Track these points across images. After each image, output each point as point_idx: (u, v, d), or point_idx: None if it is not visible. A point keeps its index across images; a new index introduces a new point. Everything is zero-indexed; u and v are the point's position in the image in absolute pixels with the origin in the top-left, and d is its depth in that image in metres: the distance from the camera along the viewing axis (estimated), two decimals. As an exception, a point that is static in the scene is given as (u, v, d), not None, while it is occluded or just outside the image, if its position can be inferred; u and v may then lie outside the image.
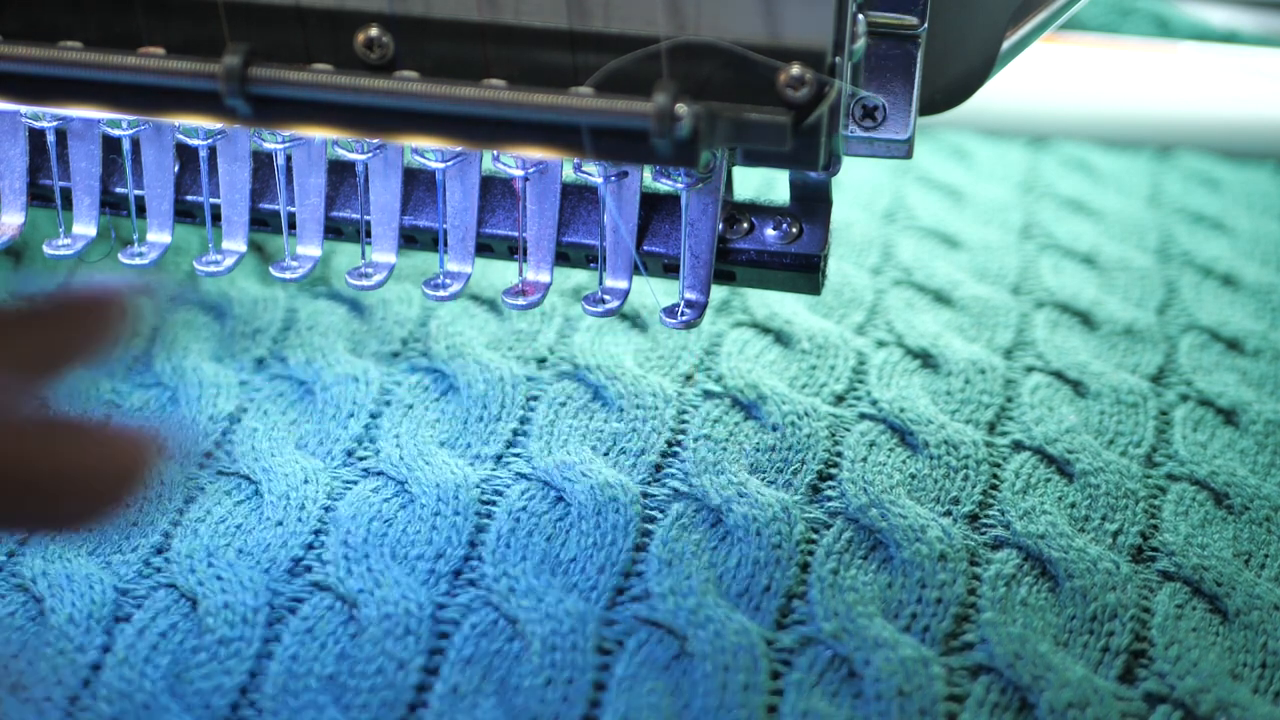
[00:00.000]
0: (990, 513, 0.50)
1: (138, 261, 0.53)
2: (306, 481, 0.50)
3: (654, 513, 0.49)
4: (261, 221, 0.53)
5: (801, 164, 0.45)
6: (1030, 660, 0.45)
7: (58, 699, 0.43)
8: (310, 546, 0.48)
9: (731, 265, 0.51)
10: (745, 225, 0.51)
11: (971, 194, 0.70)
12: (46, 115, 0.51)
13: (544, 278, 0.51)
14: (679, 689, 0.44)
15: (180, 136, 0.51)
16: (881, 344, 0.58)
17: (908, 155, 0.49)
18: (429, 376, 0.55)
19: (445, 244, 0.52)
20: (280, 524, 0.48)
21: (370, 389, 0.54)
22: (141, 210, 0.53)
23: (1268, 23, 0.82)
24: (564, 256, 0.52)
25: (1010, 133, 0.75)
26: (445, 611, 0.45)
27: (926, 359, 0.58)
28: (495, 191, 0.52)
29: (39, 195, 0.54)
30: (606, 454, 0.52)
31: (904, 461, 0.52)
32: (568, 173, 0.51)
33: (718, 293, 0.59)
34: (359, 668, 0.44)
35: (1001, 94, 0.71)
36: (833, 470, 0.51)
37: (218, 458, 0.52)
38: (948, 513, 0.50)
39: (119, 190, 0.53)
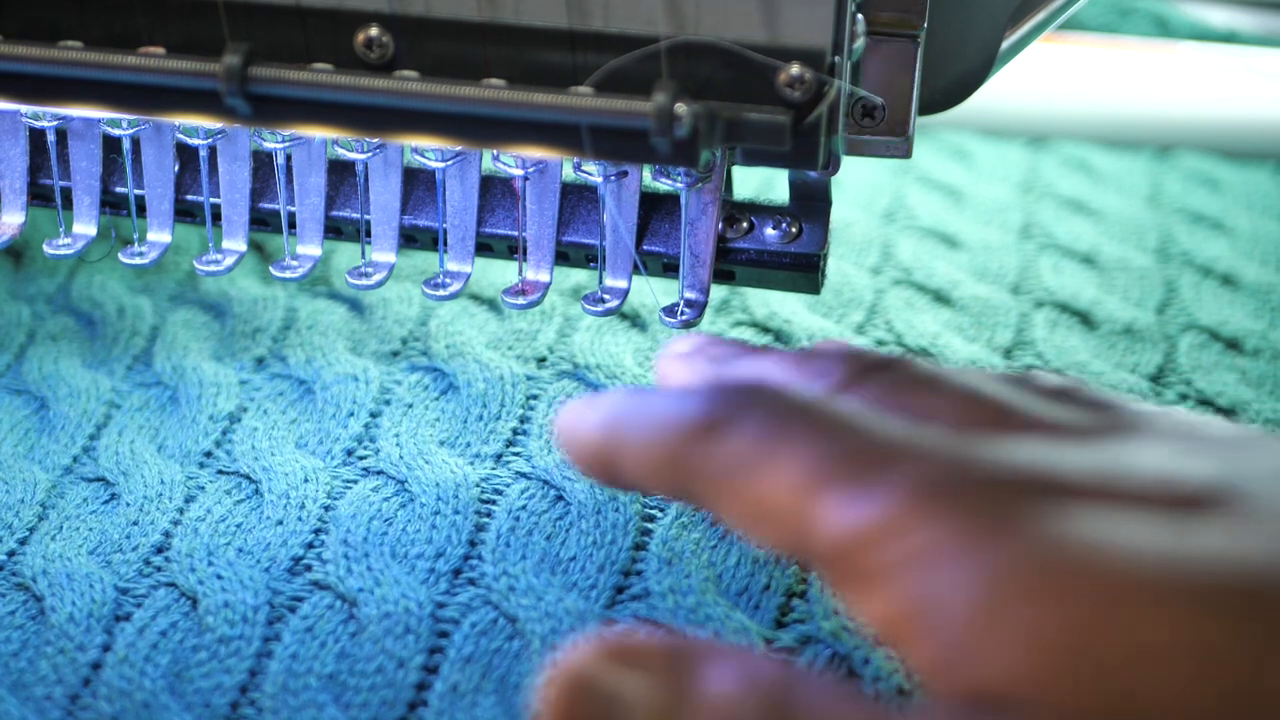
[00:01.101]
0: (990, 512, 0.50)
1: (138, 261, 0.53)
2: (306, 480, 0.50)
3: (654, 511, 0.49)
4: (261, 221, 0.53)
5: (801, 164, 0.45)
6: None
7: (58, 698, 0.43)
8: (310, 545, 0.48)
9: (731, 265, 0.51)
10: (745, 225, 0.51)
11: (971, 194, 0.70)
12: (46, 115, 0.51)
13: (544, 277, 0.51)
14: (679, 688, 0.44)
15: (180, 136, 0.51)
16: (881, 343, 0.58)
17: (907, 155, 0.49)
18: (429, 375, 0.55)
19: (445, 243, 0.52)
20: (280, 523, 0.48)
21: (370, 388, 0.54)
22: (141, 210, 0.53)
23: (1268, 23, 0.82)
24: (564, 256, 0.52)
25: (1010, 133, 0.75)
26: (445, 610, 0.45)
27: (926, 358, 0.58)
28: (495, 191, 0.52)
29: (39, 195, 0.54)
30: (606, 453, 0.52)
31: (903, 461, 0.52)
32: (567, 172, 0.51)
33: (717, 292, 0.59)
34: (359, 666, 0.44)
35: (1001, 94, 0.71)
36: (832, 469, 0.51)
37: (218, 457, 0.52)
38: (947, 512, 0.50)
39: (119, 190, 0.53)
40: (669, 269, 0.51)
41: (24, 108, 0.51)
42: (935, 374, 0.39)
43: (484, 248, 0.52)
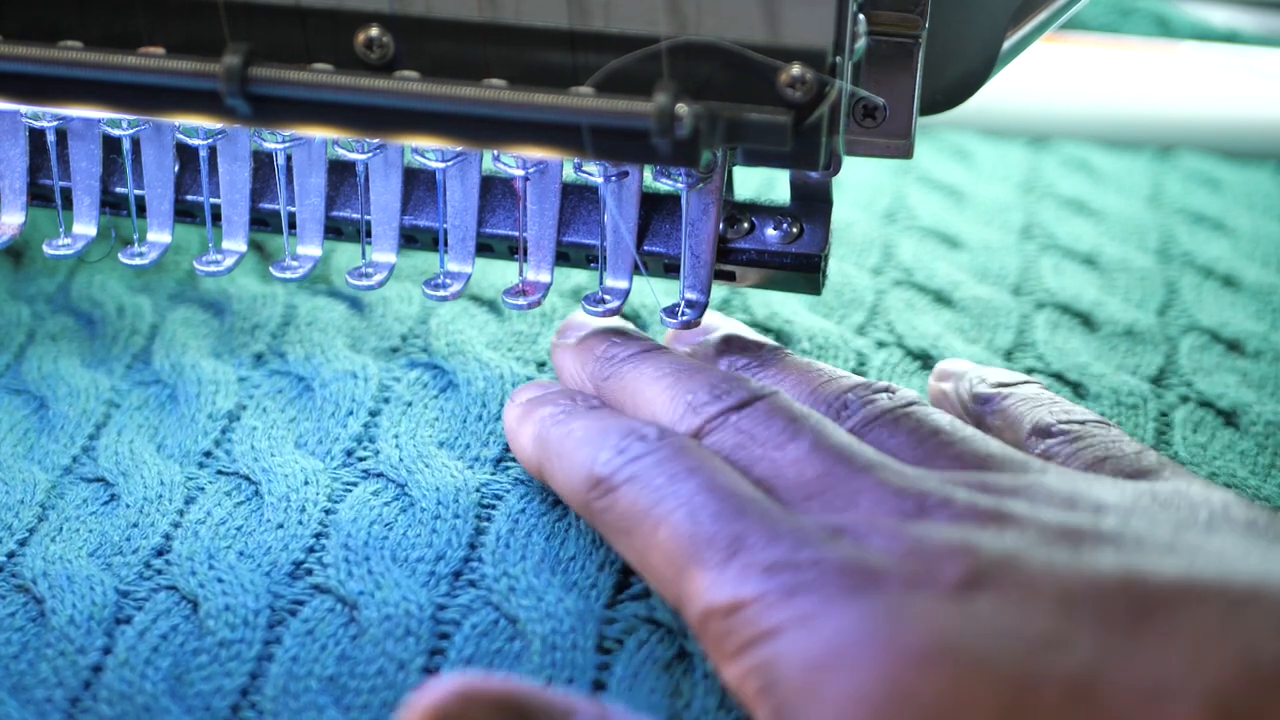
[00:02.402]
0: (991, 513, 0.50)
1: (138, 261, 0.53)
2: (306, 483, 0.50)
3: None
4: (262, 221, 0.53)
5: (802, 164, 0.45)
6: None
7: (58, 700, 0.43)
8: (311, 549, 0.47)
9: (732, 265, 0.51)
10: (745, 225, 0.51)
11: (972, 194, 0.70)
12: (46, 115, 0.51)
13: (544, 278, 0.51)
14: (679, 688, 0.44)
15: (180, 136, 0.51)
16: (882, 345, 0.58)
17: (908, 155, 0.49)
18: (428, 373, 0.55)
19: (445, 244, 0.52)
20: (281, 526, 0.48)
21: (369, 385, 0.53)
22: (141, 210, 0.53)
23: (1268, 23, 0.82)
24: (564, 256, 0.52)
25: (1010, 133, 0.75)
26: (445, 612, 0.45)
27: (927, 360, 0.57)
28: (495, 191, 0.52)
29: (39, 195, 0.54)
30: (607, 454, 0.52)
31: (904, 462, 0.52)
32: (568, 172, 0.51)
33: (718, 292, 0.59)
34: (359, 669, 0.44)
35: (1002, 94, 0.71)
36: (833, 470, 0.51)
37: (217, 457, 0.51)
38: (948, 513, 0.50)
39: (119, 190, 0.53)
40: (670, 269, 0.51)
41: (24, 108, 0.51)
42: (786, 416, 0.45)
43: (484, 248, 0.52)
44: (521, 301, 0.51)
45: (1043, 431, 0.48)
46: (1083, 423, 0.48)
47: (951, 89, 0.50)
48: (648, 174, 0.50)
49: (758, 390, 0.46)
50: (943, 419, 0.46)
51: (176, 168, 0.53)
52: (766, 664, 0.39)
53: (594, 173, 0.49)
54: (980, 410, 0.51)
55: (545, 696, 0.39)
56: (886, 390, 0.47)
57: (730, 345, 0.51)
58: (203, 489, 0.50)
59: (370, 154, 0.50)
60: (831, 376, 0.49)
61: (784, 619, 0.39)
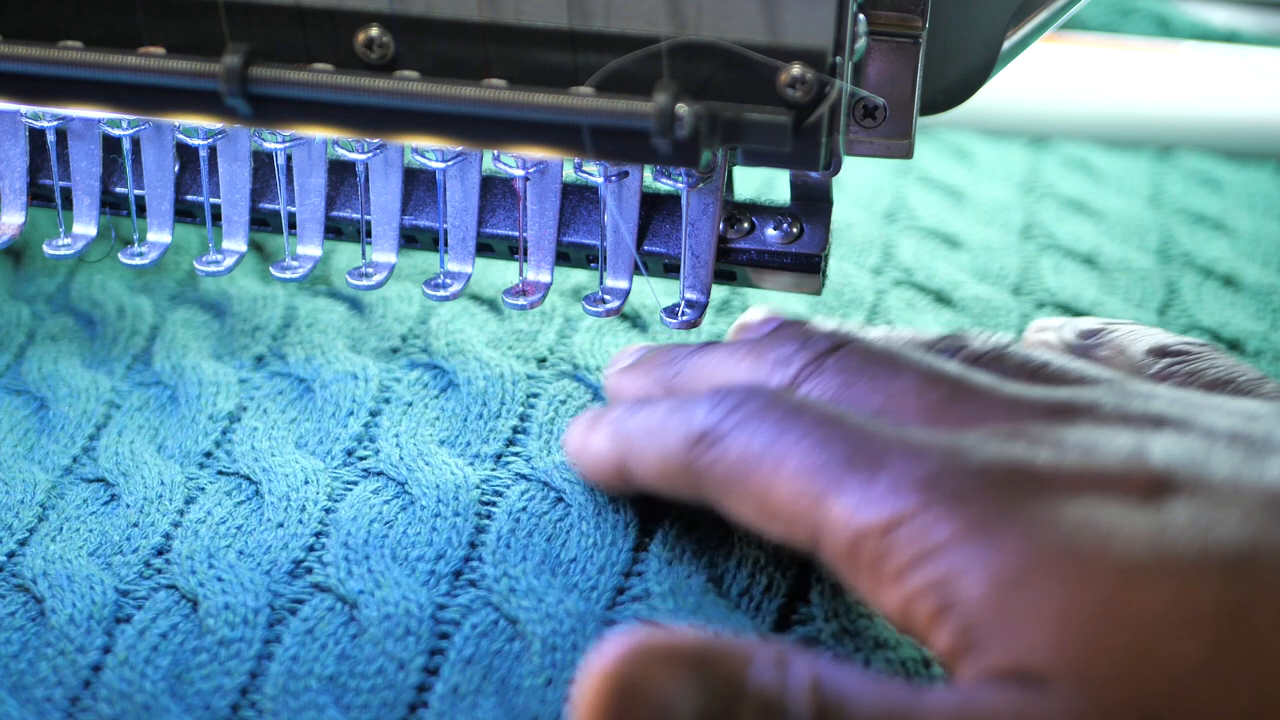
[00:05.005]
0: (991, 513, 0.50)
1: (138, 261, 0.53)
2: (307, 483, 0.50)
3: (655, 512, 0.49)
4: (262, 221, 0.53)
5: (802, 164, 0.45)
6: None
7: (58, 699, 0.43)
8: (311, 548, 0.47)
9: (732, 265, 0.51)
10: (746, 225, 0.51)
11: (972, 194, 0.70)
12: (46, 115, 0.51)
13: (544, 278, 0.51)
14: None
15: (180, 136, 0.51)
16: (882, 344, 0.58)
17: (908, 155, 0.49)
18: (428, 373, 0.55)
19: (446, 244, 0.52)
20: (281, 525, 0.48)
21: (370, 386, 0.54)
22: (141, 210, 0.53)
23: (1268, 22, 0.82)
24: (564, 256, 0.52)
25: (1011, 133, 0.75)
26: (445, 612, 0.45)
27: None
28: (495, 191, 0.52)
29: (39, 195, 0.54)
30: (607, 454, 0.52)
31: (904, 462, 0.52)
32: (568, 172, 0.51)
33: (718, 292, 0.59)
34: (359, 668, 0.44)
35: (1002, 94, 0.71)
36: (833, 470, 0.51)
37: (218, 457, 0.51)
38: (948, 513, 0.50)
39: (119, 190, 0.53)
40: (670, 269, 0.51)
41: (24, 108, 0.51)
42: (885, 352, 0.42)
43: (485, 248, 0.52)
44: (522, 301, 0.51)
45: (1159, 351, 0.46)
46: (1201, 345, 0.46)
47: (951, 89, 0.50)
48: (648, 174, 0.50)
49: (847, 334, 0.43)
50: (1046, 353, 0.43)
51: (176, 168, 0.53)
52: (942, 581, 0.35)
53: (594, 173, 0.49)
54: (1085, 345, 0.48)
55: (723, 643, 0.36)
56: (977, 336, 0.45)
57: (797, 327, 0.47)
58: (203, 489, 0.50)
59: (370, 154, 0.50)
60: (917, 334, 0.46)
61: (954, 530, 0.35)
